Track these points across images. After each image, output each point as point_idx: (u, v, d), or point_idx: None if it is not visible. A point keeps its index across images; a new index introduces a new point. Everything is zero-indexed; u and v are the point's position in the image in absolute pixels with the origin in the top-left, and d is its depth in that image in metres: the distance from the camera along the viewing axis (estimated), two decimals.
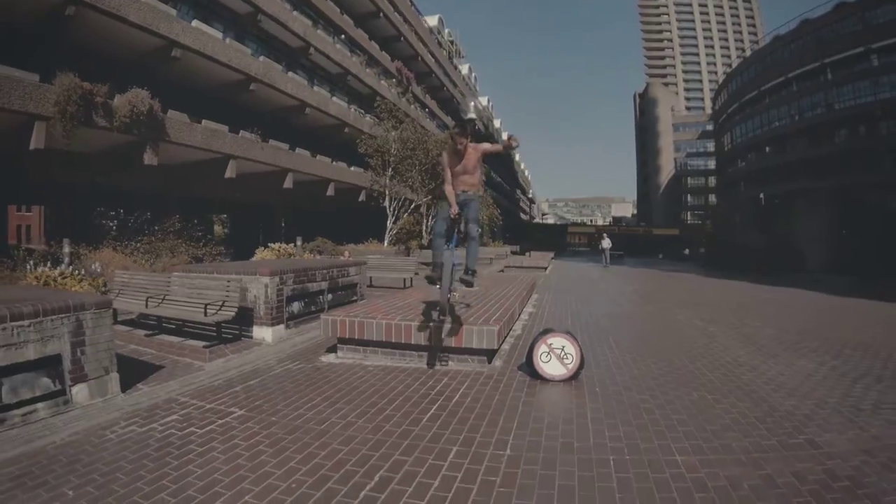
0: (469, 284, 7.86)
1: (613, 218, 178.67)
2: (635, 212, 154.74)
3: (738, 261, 37.99)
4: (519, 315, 11.35)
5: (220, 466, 4.28)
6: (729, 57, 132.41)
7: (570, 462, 4.39)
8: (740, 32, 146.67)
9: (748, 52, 78.24)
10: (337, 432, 5.03)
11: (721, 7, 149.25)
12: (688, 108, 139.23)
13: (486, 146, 7.87)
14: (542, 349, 6.95)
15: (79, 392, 5.82)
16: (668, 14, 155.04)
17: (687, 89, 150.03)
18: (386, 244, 30.36)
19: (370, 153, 31.08)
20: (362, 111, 39.05)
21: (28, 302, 5.74)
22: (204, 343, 8.62)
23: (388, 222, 31.41)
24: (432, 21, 65.10)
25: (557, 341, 6.94)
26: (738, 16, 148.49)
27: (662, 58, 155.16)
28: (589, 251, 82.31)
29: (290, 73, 31.08)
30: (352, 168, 35.54)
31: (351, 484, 3.99)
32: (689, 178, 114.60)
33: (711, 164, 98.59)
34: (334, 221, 34.99)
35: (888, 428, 5.21)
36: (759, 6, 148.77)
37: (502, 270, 25.45)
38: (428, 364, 7.38)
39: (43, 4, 18.23)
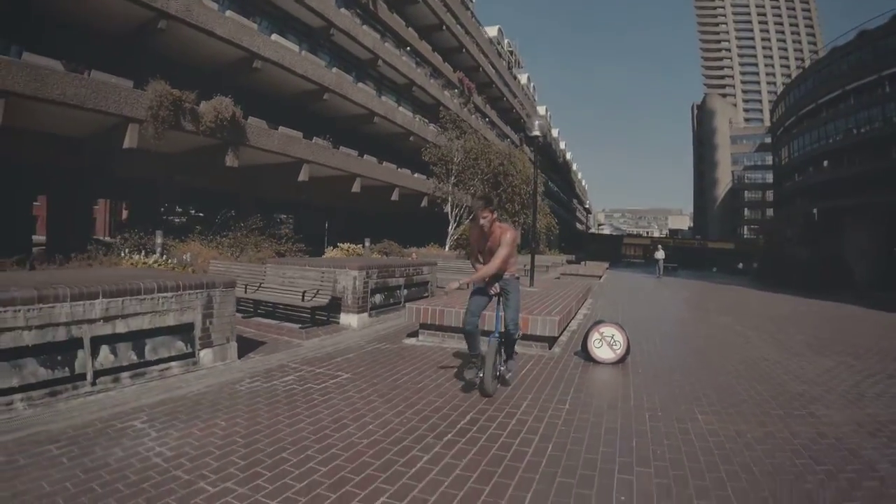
0: (504, 381, 6.55)
1: (670, 230, 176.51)
2: (692, 224, 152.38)
3: (788, 275, 38.08)
4: (575, 314, 12.47)
5: (342, 408, 5.53)
6: (788, 67, 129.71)
7: (614, 415, 5.60)
8: (799, 42, 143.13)
9: (807, 63, 75.91)
10: (431, 389, 6.34)
11: (780, 17, 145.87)
12: (746, 120, 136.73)
13: (512, 237, 6.31)
14: (594, 336, 8.15)
15: (205, 355, 7.09)
16: (725, 23, 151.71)
17: (745, 100, 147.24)
18: (447, 248, 31.34)
19: (434, 161, 32.20)
20: (426, 120, 40.06)
21: (172, 277, 7.07)
22: (298, 325, 9.95)
23: (450, 227, 32.34)
24: (492, 31, 65.69)
25: (608, 330, 8.13)
26: (796, 25, 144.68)
27: (721, 67, 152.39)
28: (644, 263, 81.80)
29: (360, 84, 32.22)
30: (415, 175, 36.52)
31: (449, 421, 5.24)
32: (746, 191, 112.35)
33: (769, 177, 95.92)
34: (395, 225, 35.80)
35: (884, 409, 6.26)
36: (818, 16, 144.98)
37: (559, 277, 26.40)
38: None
39: (137, 17, 19.69)
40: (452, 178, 32.37)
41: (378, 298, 11.57)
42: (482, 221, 6.27)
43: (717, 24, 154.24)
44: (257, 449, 4.41)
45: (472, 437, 4.85)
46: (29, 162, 19.78)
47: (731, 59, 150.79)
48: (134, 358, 6.37)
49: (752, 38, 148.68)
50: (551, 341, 8.98)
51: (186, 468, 4.01)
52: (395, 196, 35.12)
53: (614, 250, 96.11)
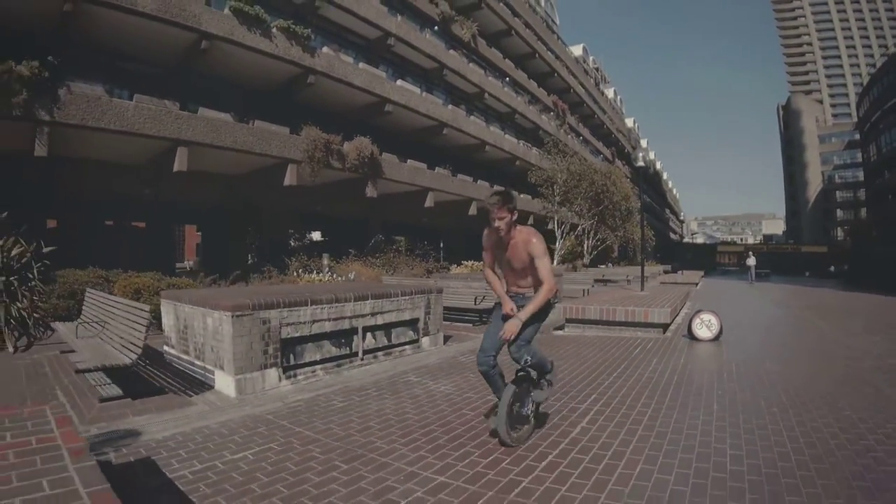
0: (540, 398, 5.51)
1: (764, 236, 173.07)
2: (786, 229, 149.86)
3: (875, 275, 38.26)
4: (679, 311, 15.40)
5: None
6: (872, 57, 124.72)
7: (712, 365, 8.76)
8: (882, 30, 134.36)
9: (892, 51, 73.26)
10: (590, 356, 9.51)
11: (860, 8, 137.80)
12: (834, 116, 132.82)
13: (542, 246, 5.13)
14: (696, 321, 11.22)
15: (425, 341, 10.23)
16: (805, 17, 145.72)
17: (832, 94, 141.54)
18: (555, 262, 34.20)
19: (540, 183, 35.16)
20: (529, 145, 43.17)
21: (407, 286, 10.21)
22: (468, 324, 13.07)
23: (557, 243, 35.25)
24: (577, 51, 68.36)
25: (706, 316, 11.21)
26: (877, 11, 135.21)
27: (804, 63, 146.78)
28: (738, 270, 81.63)
29: (472, 117, 35.52)
30: (521, 196, 38.55)
31: (611, 368, 8.40)
32: (838, 191, 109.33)
33: (861, 175, 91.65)
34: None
35: None
36: None
37: (661, 284, 28.98)
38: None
39: (290, 73, 23.43)
40: (557, 197, 35.17)
41: None
42: (497, 224, 4.99)
43: (795, 18, 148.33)
44: None
45: (627, 374, 8.02)
46: (192, 199, 23.57)
47: (813, 53, 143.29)
48: (385, 342, 9.34)
49: (833, 31, 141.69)
50: (665, 327, 12.15)
51: (471, 393, 7.00)
52: None
53: (709, 259, 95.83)
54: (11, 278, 10.36)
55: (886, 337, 11.93)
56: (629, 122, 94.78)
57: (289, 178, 22.50)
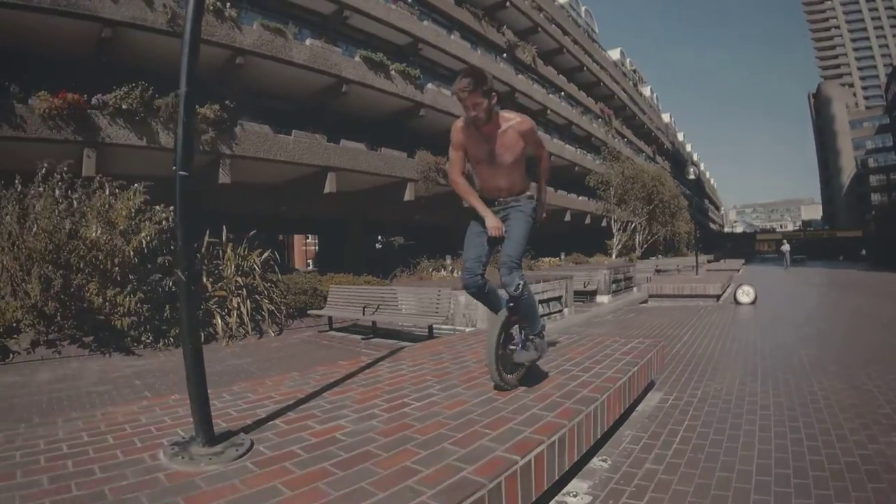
0: (522, 359, 4.49)
1: (803, 222, 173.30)
2: (823, 214, 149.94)
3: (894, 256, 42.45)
4: (726, 288, 20.76)
5: (648, 319, 14.22)
6: None
7: (753, 321, 14.02)
8: None
9: None
10: (672, 315, 14.99)
11: None
12: (866, 98, 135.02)
13: (531, 129, 4.34)
14: (739, 291, 16.81)
15: (565, 311, 15.68)
16: (831, 0, 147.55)
17: (863, 77, 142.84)
18: (614, 256, 39.60)
19: (597, 185, 40.49)
20: (584, 151, 48.22)
21: (551, 276, 15.82)
22: (580, 302, 18.57)
23: (615, 239, 40.71)
24: (615, 55, 72.44)
25: (746, 287, 16.77)
26: None
27: (833, 48, 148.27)
28: (777, 257, 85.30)
29: (539, 132, 40.42)
30: (580, 198, 44.24)
31: (693, 321, 13.81)
32: (871, 175, 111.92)
33: (894, 158, 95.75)
34: (564, 240, 43.81)
35: (866, 307, 14.52)
36: None
37: (708, 270, 34.28)
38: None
39: (401, 107, 28.99)
40: (614, 199, 40.48)
41: (613, 287, 20.10)
42: (474, 113, 3.97)
43: (822, 1, 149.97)
44: (635, 324, 12.98)
45: (700, 321, 13.45)
46: (313, 212, 29.15)
47: (841, 36, 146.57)
48: (548, 309, 14.83)
49: (860, 12, 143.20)
50: (717, 297, 17.86)
51: (617, 335, 12.51)
52: (567, 217, 42.95)
53: (749, 247, 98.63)
54: (261, 279, 14.29)
55: (873, 298, 17.66)
56: (665, 118, 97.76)
57: (408, 195, 27.48)
